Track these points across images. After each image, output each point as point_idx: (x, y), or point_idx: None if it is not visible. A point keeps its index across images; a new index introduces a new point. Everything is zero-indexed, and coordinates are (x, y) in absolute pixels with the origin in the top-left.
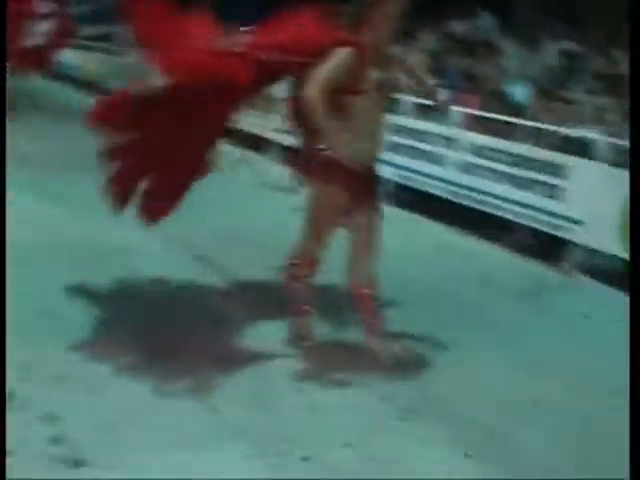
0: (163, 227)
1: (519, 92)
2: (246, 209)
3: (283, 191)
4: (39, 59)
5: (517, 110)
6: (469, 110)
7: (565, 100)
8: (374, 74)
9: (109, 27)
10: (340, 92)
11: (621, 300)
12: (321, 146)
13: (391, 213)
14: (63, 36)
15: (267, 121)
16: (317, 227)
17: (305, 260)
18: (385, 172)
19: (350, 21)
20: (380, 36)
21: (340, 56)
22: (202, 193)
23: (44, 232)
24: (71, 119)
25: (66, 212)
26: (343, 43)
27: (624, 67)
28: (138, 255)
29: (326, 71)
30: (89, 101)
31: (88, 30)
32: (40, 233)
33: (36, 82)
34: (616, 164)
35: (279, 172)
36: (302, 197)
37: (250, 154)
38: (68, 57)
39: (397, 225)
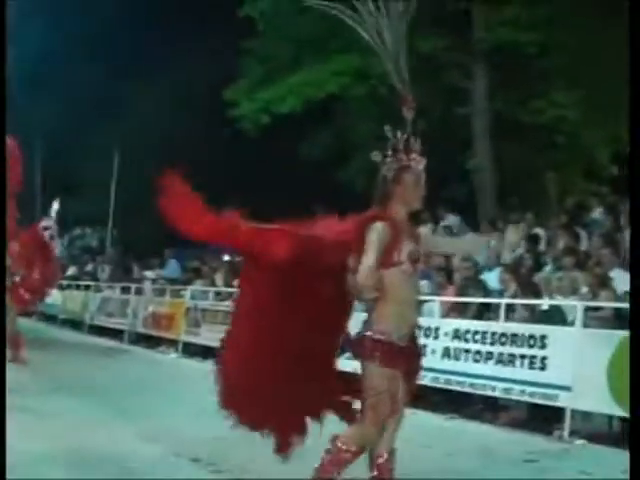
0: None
1: (492, 277)
2: None
3: None
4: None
5: (491, 293)
6: (447, 298)
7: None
8: (407, 246)
9: (93, 264)
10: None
11: (620, 458)
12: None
13: None
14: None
15: None
16: (375, 412)
17: (358, 446)
18: None
19: (379, 200)
20: (407, 209)
21: (377, 231)
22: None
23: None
24: (54, 350)
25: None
26: (377, 218)
27: (585, 243)
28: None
29: (371, 253)
30: (68, 334)
31: (71, 270)
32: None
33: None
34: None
35: None
36: None
37: None
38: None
39: None
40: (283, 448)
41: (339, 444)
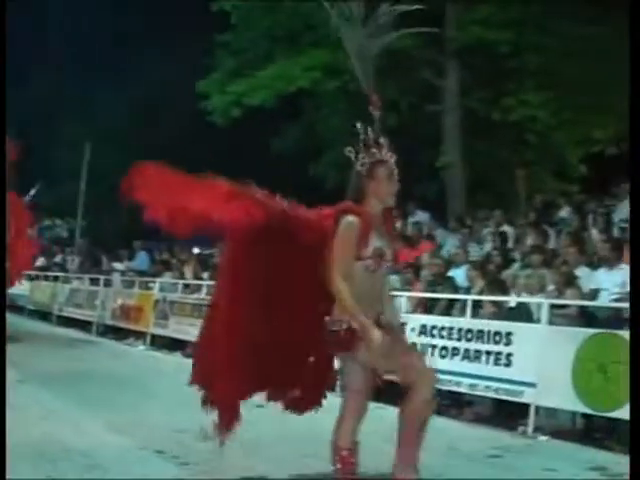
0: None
1: (460, 274)
2: None
3: None
4: None
5: (459, 290)
6: (415, 293)
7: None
8: (375, 242)
9: (62, 255)
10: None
11: (584, 454)
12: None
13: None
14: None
15: None
16: (351, 404)
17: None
18: None
19: (353, 195)
20: (381, 204)
21: (347, 224)
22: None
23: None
24: (21, 341)
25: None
26: (350, 211)
27: (553, 241)
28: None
29: (341, 249)
30: (36, 325)
31: (39, 261)
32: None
33: None
34: (558, 325)
35: None
36: None
37: None
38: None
39: None
40: (229, 425)
41: (339, 444)
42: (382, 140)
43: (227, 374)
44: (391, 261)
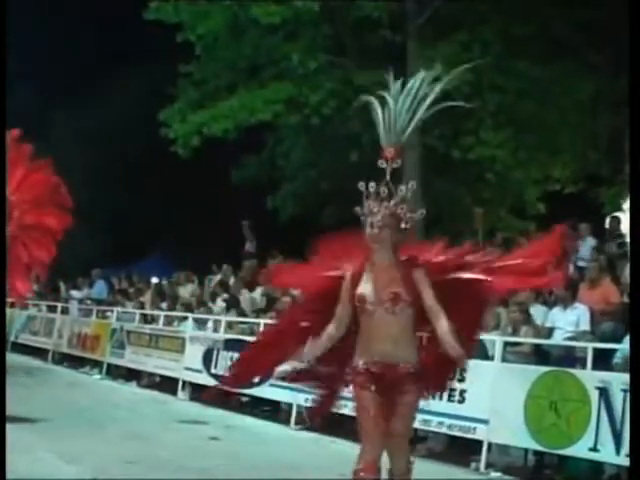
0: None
1: None
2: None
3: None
4: None
5: None
6: None
7: None
8: (362, 288)
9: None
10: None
11: None
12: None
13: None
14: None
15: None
16: (364, 431)
17: (366, 465)
18: (293, 398)
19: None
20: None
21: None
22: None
23: None
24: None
25: None
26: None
27: None
28: None
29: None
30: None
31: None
32: None
33: None
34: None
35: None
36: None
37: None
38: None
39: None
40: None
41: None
42: (386, 191)
43: None
44: (377, 304)
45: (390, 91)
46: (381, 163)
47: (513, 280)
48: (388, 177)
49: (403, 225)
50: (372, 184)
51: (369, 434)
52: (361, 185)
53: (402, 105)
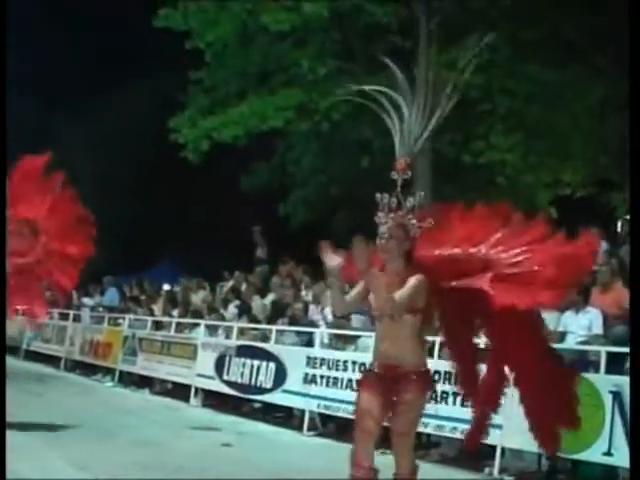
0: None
1: None
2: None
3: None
4: None
5: None
6: None
7: None
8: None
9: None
10: None
11: None
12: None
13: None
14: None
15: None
16: (360, 432)
17: (361, 468)
18: (306, 404)
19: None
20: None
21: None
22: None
23: None
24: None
25: None
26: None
27: None
28: None
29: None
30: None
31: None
32: None
33: None
34: None
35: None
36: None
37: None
38: None
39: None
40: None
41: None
42: (400, 203)
43: None
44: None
45: (404, 99)
46: (393, 175)
47: (516, 294)
48: (399, 188)
49: (412, 234)
50: (383, 195)
51: (363, 436)
52: (378, 196)
53: (416, 115)
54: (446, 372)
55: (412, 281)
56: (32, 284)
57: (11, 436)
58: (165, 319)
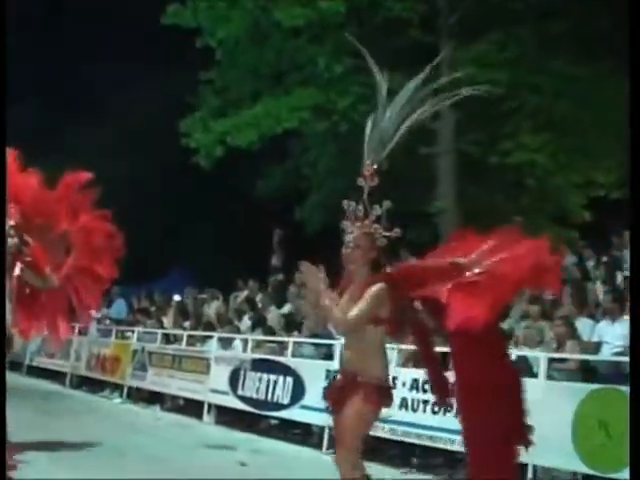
0: None
1: None
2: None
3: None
4: None
5: None
6: (406, 346)
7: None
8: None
9: None
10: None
11: None
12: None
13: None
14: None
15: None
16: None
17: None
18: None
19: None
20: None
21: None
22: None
23: None
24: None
25: None
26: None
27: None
28: None
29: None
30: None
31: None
32: None
33: None
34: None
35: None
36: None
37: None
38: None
39: None
40: None
41: None
42: (366, 211)
43: None
44: None
45: (380, 101)
46: (359, 181)
47: (469, 305)
48: (365, 196)
49: (378, 244)
50: (349, 203)
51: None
52: (345, 204)
53: (388, 119)
54: None
55: (370, 292)
56: (59, 300)
57: (17, 456)
58: (176, 332)
